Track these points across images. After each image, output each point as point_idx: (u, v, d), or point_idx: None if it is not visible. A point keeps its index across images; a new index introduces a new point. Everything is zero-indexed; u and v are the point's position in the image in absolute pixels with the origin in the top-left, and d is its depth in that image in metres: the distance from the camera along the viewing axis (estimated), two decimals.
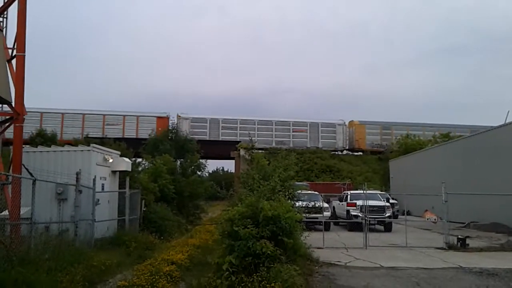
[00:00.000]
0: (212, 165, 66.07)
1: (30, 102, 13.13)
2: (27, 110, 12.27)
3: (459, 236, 14.89)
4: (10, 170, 11.10)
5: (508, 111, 27.98)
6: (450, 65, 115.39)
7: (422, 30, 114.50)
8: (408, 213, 23.54)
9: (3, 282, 6.75)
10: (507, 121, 23.90)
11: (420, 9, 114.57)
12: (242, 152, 42.33)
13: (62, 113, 44.88)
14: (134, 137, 43.32)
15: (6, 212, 10.29)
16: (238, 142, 44.13)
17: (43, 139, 30.10)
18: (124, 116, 45.95)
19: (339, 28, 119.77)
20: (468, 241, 14.73)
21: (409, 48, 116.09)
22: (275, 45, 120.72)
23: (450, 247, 14.34)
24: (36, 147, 15.30)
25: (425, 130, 48.79)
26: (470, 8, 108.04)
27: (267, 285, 7.23)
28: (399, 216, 24.43)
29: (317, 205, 17.52)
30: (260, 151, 36.70)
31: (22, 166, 11.46)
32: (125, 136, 41.94)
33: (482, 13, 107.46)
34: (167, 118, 46.32)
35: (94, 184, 12.57)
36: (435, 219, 20.76)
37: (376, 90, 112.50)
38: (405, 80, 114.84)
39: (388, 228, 20.72)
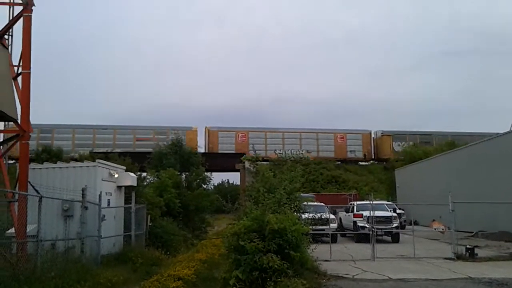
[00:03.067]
0: (217, 177, 66.01)
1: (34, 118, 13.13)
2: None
3: (468, 246, 14.76)
4: (16, 188, 11.14)
5: None
6: (453, 69, 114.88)
7: (424, 35, 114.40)
8: (415, 223, 23.41)
9: None
10: None
11: (422, 14, 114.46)
12: (247, 164, 42.34)
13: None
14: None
15: (12, 230, 10.31)
16: None
17: (49, 155, 30.19)
18: None
19: (339, 35, 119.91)
20: (476, 250, 14.59)
21: (412, 53, 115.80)
22: (276, 55, 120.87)
23: (459, 257, 14.20)
24: (42, 163, 15.37)
25: (135, 134, 46.33)
26: (474, 11, 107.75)
27: None
28: (406, 227, 24.25)
29: (323, 217, 17.44)
30: (265, 163, 36.71)
31: (28, 183, 11.50)
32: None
33: (487, 15, 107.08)
34: None
35: (100, 200, 12.58)
36: (442, 229, 20.61)
37: (380, 97, 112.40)
38: (409, 85, 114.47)
39: (395, 239, 20.54)
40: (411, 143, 49.17)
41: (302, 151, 45.35)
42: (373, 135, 52.00)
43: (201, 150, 46.51)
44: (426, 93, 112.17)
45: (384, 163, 48.71)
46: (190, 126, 48.74)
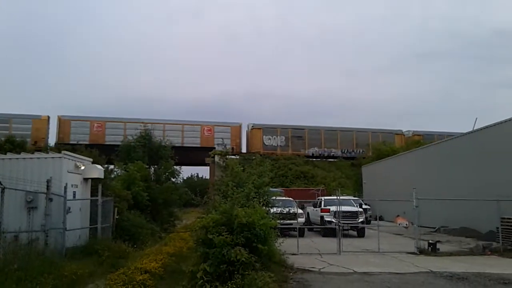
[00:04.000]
0: (186, 171, 65.62)
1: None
2: None
3: (430, 241, 15.21)
4: None
5: (476, 118, 28.74)
6: (424, 71, 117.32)
7: (398, 36, 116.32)
8: (381, 219, 23.91)
9: None
10: (475, 128, 24.54)
11: (395, 14, 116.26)
12: (216, 158, 42.25)
13: None
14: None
15: None
16: None
17: (13, 145, 29.27)
18: None
19: (314, 35, 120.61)
20: (438, 245, 15.07)
21: (385, 54, 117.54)
22: (251, 51, 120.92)
23: (421, 251, 14.62)
24: (5, 154, 14.92)
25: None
26: (444, 15, 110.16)
27: None
28: (372, 222, 24.77)
29: (291, 211, 17.61)
30: (234, 157, 36.74)
31: None
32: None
33: (457, 19, 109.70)
34: None
35: (65, 191, 12.32)
36: (406, 224, 21.19)
37: (355, 96, 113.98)
38: (383, 86, 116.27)
39: (361, 233, 20.97)
40: (282, 136, 49.51)
41: (166, 142, 44.78)
42: (245, 128, 51.25)
43: (52, 140, 44.71)
44: (400, 93, 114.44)
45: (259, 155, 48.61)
46: (38, 114, 45.89)
